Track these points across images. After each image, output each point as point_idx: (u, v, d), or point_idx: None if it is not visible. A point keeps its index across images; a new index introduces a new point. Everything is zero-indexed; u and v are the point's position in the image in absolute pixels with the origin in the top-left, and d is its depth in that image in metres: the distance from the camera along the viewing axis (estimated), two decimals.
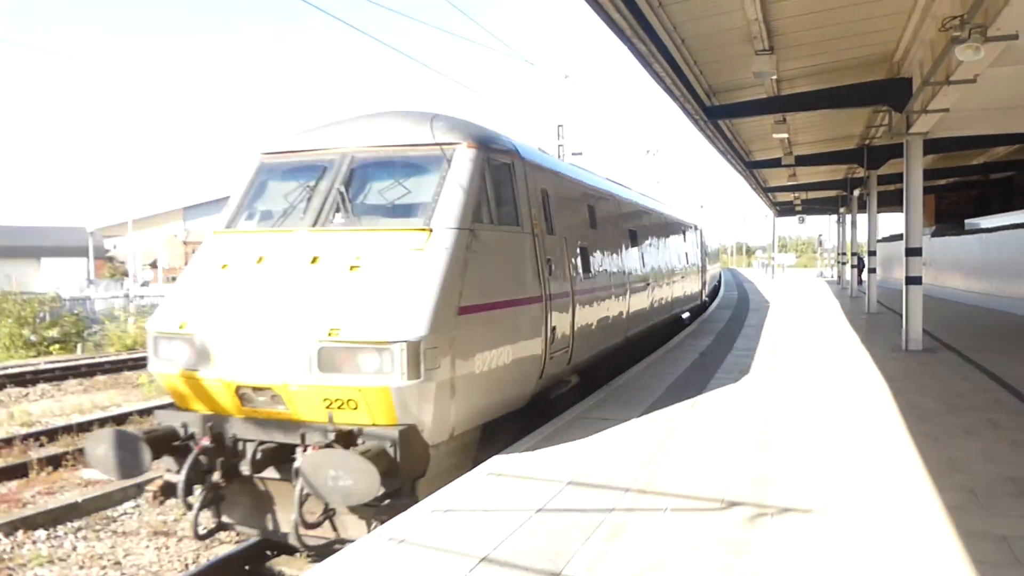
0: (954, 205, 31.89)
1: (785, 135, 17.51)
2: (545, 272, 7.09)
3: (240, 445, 5.53)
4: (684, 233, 17.37)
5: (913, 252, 13.35)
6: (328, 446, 5.06)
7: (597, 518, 5.06)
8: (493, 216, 6.32)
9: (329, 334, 5.13)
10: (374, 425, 5.28)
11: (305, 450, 5.17)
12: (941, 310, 21.04)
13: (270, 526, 5.75)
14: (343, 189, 5.93)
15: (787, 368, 11.34)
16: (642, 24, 9.35)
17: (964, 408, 8.34)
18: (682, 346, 13.97)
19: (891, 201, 27.85)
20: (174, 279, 78.51)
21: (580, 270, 8.28)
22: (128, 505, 8.90)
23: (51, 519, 8.29)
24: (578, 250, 8.33)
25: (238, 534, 6.45)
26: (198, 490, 5.65)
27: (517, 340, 6.48)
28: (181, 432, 5.67)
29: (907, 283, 13.37)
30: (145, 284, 50.55)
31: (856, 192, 28.26)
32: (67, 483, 9.71)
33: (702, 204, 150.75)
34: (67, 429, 12.26)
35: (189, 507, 5.60)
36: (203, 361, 5.45)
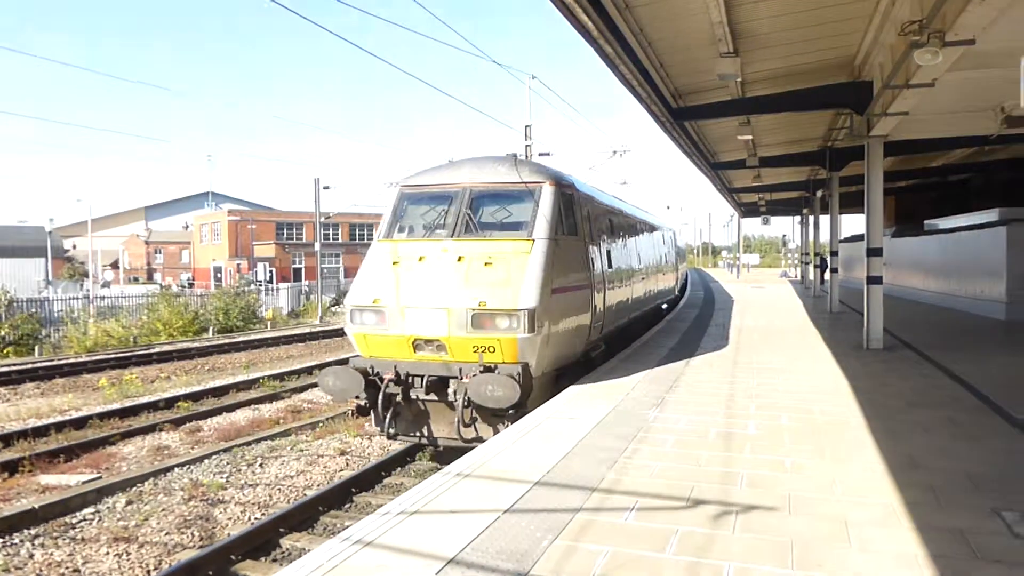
0: (913, 206, 32.48)
1: (749, 137, 17.73)
2: (592, 268, 9.89)
3: (411, 379, 8.36)
4: (664, 236, 20.59)
5: (874, 252, 13.60)
6: (484, 371, 7.98)
7: (565, 517, 5.08)
8: (565, 230, 9.26)
9: (479, 305, 8.01)
10: (504, 363, 8.17)
11: (461, 379, 8.12)
12: (901, 309, 21.45)
13: (426, 433, 8.68)
14: (469, 212, 8.80)
15: (752, 365, 11.48)
16: (609, 27, 9.40)
17: (923, 405, 8.51)
18: (653, 342, 14.08)
19: (853, 202, 28.32)
20: (136, 280, 77.23)
21: (607, 267, 11.01)
22: (87, 511, 8.73)
23: (7, 526, 8.11)
24: (606, 252, 11.19)
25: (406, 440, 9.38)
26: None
27: (579, 313, 9.42)
28: (370, 371, 8.50)
29: (868, 283, 13.61)
30: (106, 285, 49.58)
31: (819, 193, 28.71)
32: (24, 489, 9.51)
33: (668, 205, 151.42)
34: (23, 434, 12.00)
35: (380, 420, 8.48)
36: (390, 323, 8.32)
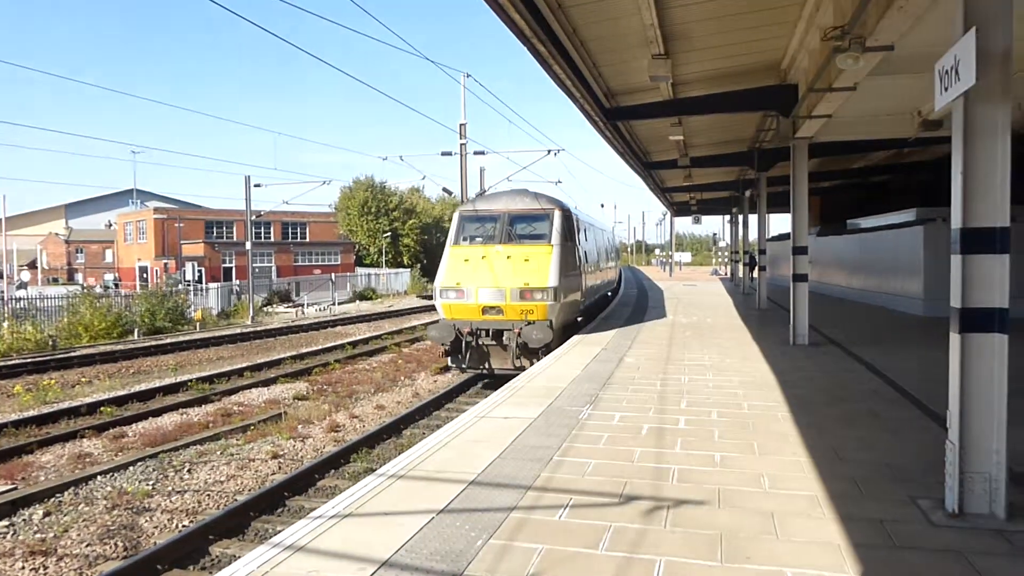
0: (837, 206, 33.55)
1: (681, 137, 18.01)
2: (580, 263, 14.88)
3: (479, 334, 13.07)
4: (608, 237, 25.82)
5: (800, 251, 14.01)
6: (532, 323, 12.91)
7: (499, 517, 5.09)
8: (567, 238, 14.18)
9: (524, 284, 12.53)
10: (538, 320, 12.69)
11: (514, 330, 12.99)
12: (826, 306, 22.16)
13: (487, 367, 13.37)
14: (509, 227, 13.62)
15: (683, 362, 11.71)
16: (542, 26, 9.44)
17: (846, 399, 8.81)
18: (597, 329, 14.26)
19: (780, 202, 29.11)
20: (56, 280, 74.10)
21: (586, 262, 16.07)
22: (1, 525, 8.36)
23: None
24: (584, 252, 16.18)
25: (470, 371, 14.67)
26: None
27: (575, 291, 14.25)
28: (453, 328, 13.45)
29: (794, 280, 14.01)
30: (22, 286, 47.48)
31: (747, 193, 29.38)
32: None
33: (602, 203, 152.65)
34: None
35: (459, 360, 13.15)
36: (467, 296, 12.78)
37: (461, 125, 23.49)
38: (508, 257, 14.25)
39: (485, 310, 14.01)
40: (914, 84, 11.76)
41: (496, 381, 14.74)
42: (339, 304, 44.05)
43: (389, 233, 69.60)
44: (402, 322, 31.93)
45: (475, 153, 28.00)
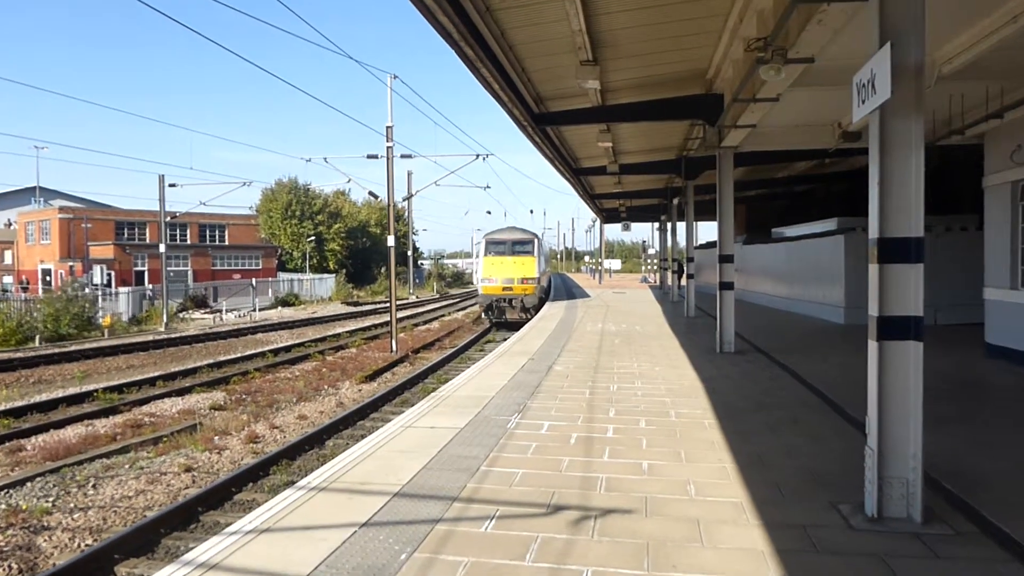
0: (763, 215, 34.53)
1: (609, 144, 18.30)
2: (542, 266, 29.65)
3: (501, 301, 27.92)
4: (544, 245, 35.57)
5: (726, 259, 14.36)
6: (525, 296, 27.66)
7: (424, 529, 5.04)
8: (540, 253, 30.02)
9: (522, 275, 27.57)
10: (530, 293, 27.43)
11: (521, 298, 28.06)
12: (752, 314, 22.75)
13: (505, 318, 27.66)
14: (512, 247, 29.23)
15: (612, 370, 11.85)
16: (470, 29, 9.44)
17: (771, 406, 9.05)
18: (525, 338, 14.30)
19: (707, 210, 29.73)
20: None
21: (543, 265, 30.54)
22: None
23: None
24: (544, 259, 31.46)
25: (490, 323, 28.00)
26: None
27: (542, 282, 29.35)
28: (489, 298, 28.11)
29: (721, 288, 14.35)
30: None
31: (676, 201, 29.98)
32: None
33: (532, 210, 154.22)
34: None
35: (489, 316, 28.44)
36: (494, 283, 27.69)
37: (388, 128, 23.25)
38: (513, 262, 28.92)
39: (504, 288, 28.30)
40: (834, 96, 12.20)
41: (510, 326, 27.72)
42: (260, 310, 43.10)
43: (313, 237, 68.51)
44: (326, 329, 31.44)
45: (402, 156, 27.87)
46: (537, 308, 28.20)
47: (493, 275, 28.76)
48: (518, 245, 30.04)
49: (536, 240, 30.22)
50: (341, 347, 24.14)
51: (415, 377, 17.39)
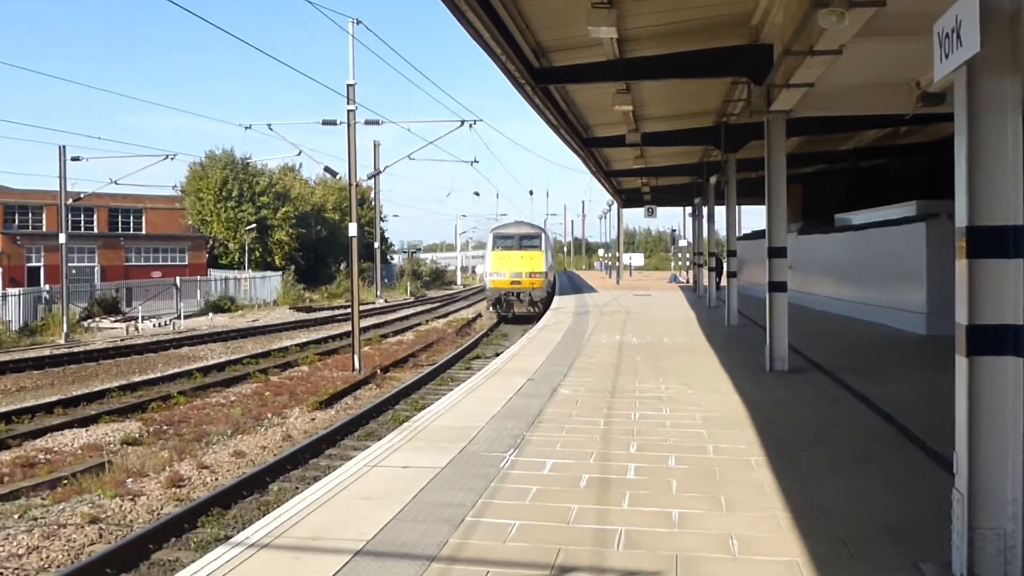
0: (823, 197, 34.55)
1: (629, 108, 18.30)
2: (549, 260, 40.93)
3: (509, 295, 37.74)
4: (549, 239, 46.31)
5: (777, 253, 14.39)
6: (533, 290, 37.65)
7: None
8: (549, 247, 43.28)
9: (530, 270, 37.45)
10: (538, 287, 37.27)
11: (529, 292, 37.63)
12: (810, 322, 22.81)
13: (513, 312, 37.29)
14: (520, 241, 39.39)
15: (633, 394, 11.86)
16: None
17: (834, 439, 9.06)
18: (521, 354, 14.32)
19: (753, 190, 29.76)
20: None
21: (551, 260, 42.77)
22: None
23: None
24: (550, 253, 43.10)
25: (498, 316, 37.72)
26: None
27: (550, 276, 41.46)
28: (497, 292, 38.34)
29: (771, 290, 14.38)
30: None
31: (713, 179, 30.01)
32: None
33: (531, 190, 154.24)
34: None
35: (497, 309, 38.39)
36: (503, 276, 37.43)
37: (348, 86, 23.24)
38: (521, 256, 36.73)
39: (512, 282, 35.90)
40: (912, 49, 12.18)
41: (518, 320, 35.29)
42: (186, 317, 43.06)
43: (254, 225, 68.44)
44: (271, 341, 31.42)
45: (367, 123, 27.81)
46: (545, 302, 36.87)
47: (501, 269, 37.98)
48: (525, 239, 39.44)
49: (543, 234, 41.34)
50: (289, 364, 24.13)
51: (383, 402, 17.37)
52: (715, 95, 19.20)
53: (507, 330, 33.68)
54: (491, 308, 39.49)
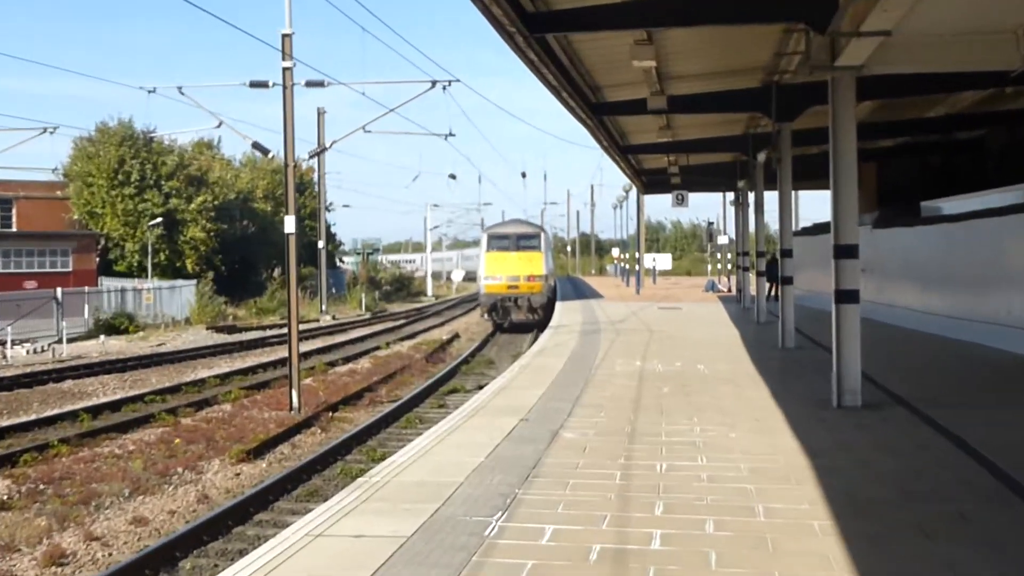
0: (904, 179, 34.70)
1: (651, 63, 18.30)
2: (549, 262, 50.42)
3: (506, 301, 45.57)
4: (549, 239, 60.68)
5: (845, 252, 14.38)
6: (532, 295, 46.05)
7: None
8: (549, 247, 55.30)
9: (529, 272, 45.74)
10: (536, 294, 45.43)
11: (528, 297, 45.77)
12: (889, 341, 22.81)
13: (510, 318, 45.42)
14: (517, 242, 48.00)
15: (659, 437, 11.83)
16: None
17: (922, 496, 9.03)
18: (511, 387, 14.30)
19: (813, 171, 29.90)
20: None
21: (551, 263, 52.13)
22: None
23: None
24: (550, 255, 53.98)
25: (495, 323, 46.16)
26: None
27: (550, 280, 50.05)
28: (492, 297, 46.31)
29: (837, 301, 14.37)
30: None
31: (761, 156, 30.01)
32: None
33: (524, 172, 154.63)
34: None
35: (492, 316, 46.44)
36: (499, 280, 45.51)
37: (284, 37, 23.22)
38: (519, 258, 44.54)
39: (509, 287, 43.34)
40: None
41: (515, 327, 43.26)
42: (70, 341, 42.88)
43: (161, 219, 68.32)
44: (182, 373, 31.35)
45: (308, 84, 27.75)
46: (545, 307, 43.97)
47: (497, 272, 45.06)
48: (523, 239, 47.11)
49: (542, 233, 50.39)
50: (206, 403, 24.06)
51: (331, 451, 17.33)
52: (763, 47, 19.23)
53: (494, 352, 33.70)
54: (486, 316, 46.62)
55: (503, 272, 44.62)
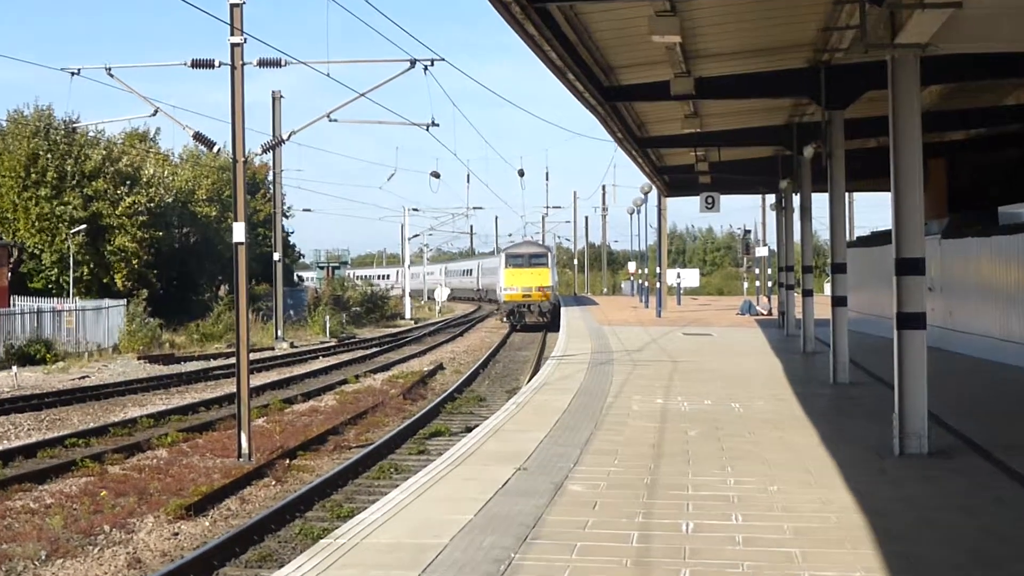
0: (980, 179, 34.72)
1: (675, 39, 18.35)
2: (554, 277, 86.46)
3: (522, 307, 77.37)
4: (554, 257, 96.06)
5: (909, 267, 14.39)
6: (542, 302, 78.34)
7: None
8: (554, 264, 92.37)
9: (539, 284, 77.64)
10: (546, 300, 76.91)
11: (539, 304, 78.02)
12: (962, 375, 22.82)
13: (524, 322, 75.68)
14: (531, 260, 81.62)
15: (685, 490, 11.82)
16: None
17: (998, 560, 9.04)
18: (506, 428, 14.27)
19: (871, 168, 29.89)
20: None
21: (555, 277, 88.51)
22: None
23: None
24: (555, 270, 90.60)
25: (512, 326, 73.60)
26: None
27: (555, 292, 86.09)
28: (511, 305, 79.16)
29: (900, 326, 14.36)
30: None
31: (808, 150, 30.03)
32: None
33: (521, 169, 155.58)
34: None
35: (510, 320, 77.54)
36: (515, 291, 77.64)
37: (233, 7, 23.30)
38: (531, 273, 76.17)
39: (523, 296, 75.19)
40: None
41: (527, 328, 70.68)
42: None
43: (84, 226, 68.33)
44: (109, 411, 31.29)
45: (261, 64, 27.72)
46: (552, 313, 69.50)
47: (514, 284, 73.44)
48: (534, 258, 76.60)
49: (549, 253, 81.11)
50: (139, 448, 24.02)
51: (288, 507, 17.29)
52: (809, 19, 19.30)
53: (485, 387, 33.68)
54: (504, 319, 74.79)
55: (519, 284, 74.13)
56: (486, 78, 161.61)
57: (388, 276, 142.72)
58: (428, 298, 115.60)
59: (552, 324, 68.12)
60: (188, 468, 21.34)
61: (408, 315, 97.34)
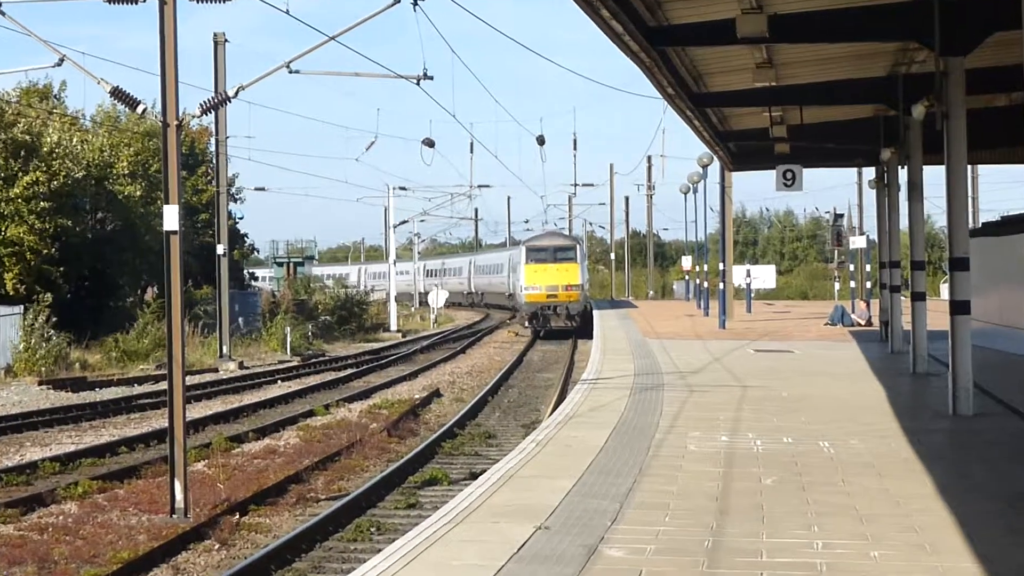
0: None
1: None
2: (584, 273, 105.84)
3: (546, 310, 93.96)
4: (584, 250, 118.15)
5: None
6: (570, 303, 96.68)
7: None
8: (584, 258, 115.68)
9: (567, 282, 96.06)
10: (575, 301, 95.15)
11: (566, 305, 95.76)
12: None
13: (549, 326, 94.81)
14: (555, 253, 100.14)
15: (759, 557, 11.80)
16: None
17: None
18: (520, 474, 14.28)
19: (1001, 134, 29.85)
20: None
21: (586, 273, 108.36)
22: None
23: None
24: (585, 266, 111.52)
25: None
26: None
27: (587, 291, 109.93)
28: (533, 306, 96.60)
29: None
30: None
31: (918, 109, 29.90)
32: None
33: (540, 135, 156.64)
34: None
35: (533, 325, 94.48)
36: (539, 290, 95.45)
37: None
38: (556, 269, 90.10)
39: (548, 296, 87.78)
40: None
41: (551, 336, 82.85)
42: None
43: None
44: (2, 452, 31.34)
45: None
46: (582, 316, 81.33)
47: (537, 283, 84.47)
48: (560, 252, 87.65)
49: (578, 246, 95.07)
50: (39, 501, 24.06)
51: None
52: None
53: (495, 420, 33.71)
54: (527, 324, 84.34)
55: (542, 282, 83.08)
56: (494, 17, 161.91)
57: (374, 275, 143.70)
58: (419, 303, 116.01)
59: (582, 330, 74.58)
60: (105, 527, 21.31)
61: (394, 326, 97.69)
